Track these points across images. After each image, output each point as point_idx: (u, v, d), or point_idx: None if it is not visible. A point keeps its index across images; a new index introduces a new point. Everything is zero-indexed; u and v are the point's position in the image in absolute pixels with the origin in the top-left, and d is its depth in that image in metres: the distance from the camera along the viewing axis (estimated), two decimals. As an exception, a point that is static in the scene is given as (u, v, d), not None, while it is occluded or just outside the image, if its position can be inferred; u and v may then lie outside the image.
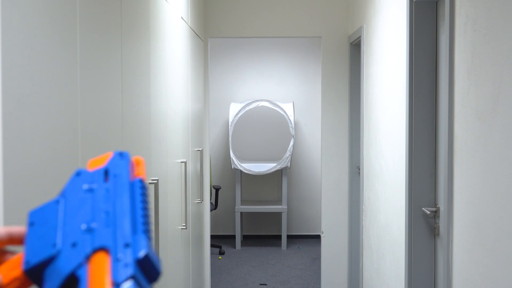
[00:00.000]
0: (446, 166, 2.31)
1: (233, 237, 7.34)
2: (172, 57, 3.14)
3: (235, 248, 7.03)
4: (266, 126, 7.28)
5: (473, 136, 2.03)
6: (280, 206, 7.05)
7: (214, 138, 7.42)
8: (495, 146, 1.84)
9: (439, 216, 2.79)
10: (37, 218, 0.54)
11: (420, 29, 2.85)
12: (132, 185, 0.54)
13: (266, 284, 5.68)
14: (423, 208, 2.85)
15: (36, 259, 0.51)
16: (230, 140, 6.91)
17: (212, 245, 6.47)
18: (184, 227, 3.54)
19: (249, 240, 7.40)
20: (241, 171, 6.99)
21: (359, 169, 4.57)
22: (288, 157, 6.89)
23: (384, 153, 3.57)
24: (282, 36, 5.14)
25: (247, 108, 6.95)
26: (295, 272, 6.09)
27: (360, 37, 4.39)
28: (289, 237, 7.34)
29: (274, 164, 7.01)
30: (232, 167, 6.94)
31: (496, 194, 1.83)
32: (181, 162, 3.46)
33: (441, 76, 2.77)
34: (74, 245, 0.50)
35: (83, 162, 1.58)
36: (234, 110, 6.97)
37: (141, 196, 0.54)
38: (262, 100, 7.00)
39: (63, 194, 0.55)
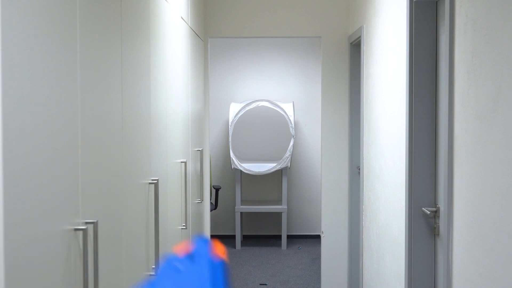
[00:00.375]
0: (446, 166, 2.31)
1: (233, 237, 7.34)
2: (172, 57, 3.14)
3: (235, 248, 7.03)
4: (266, 126, 7.28)
5: (473, 136, 2.03)
6: (280, 206, 7.05)
7: (214, 138, 7.42)
8: (495, 146, 1.84)
9: (439, 216, 2.79)
10: None
11: (420, 29, 2.85)
12: (215, 266, 0.62)
13: (266, 284, 5.68)
14: (423, 208, 2.85)
15: None
16: (230, 140, 6.91)
17: (212, 245, 6.46)
18: (184, 227, 3.55)
19: (249, 240, 7.41)
20: (241, 171, 6.99)
21: (359, 169, 4.57)
22: (288, 157, 6.89)
23: (384, 153, 3.57)
24: (282, 36, 5.14)
25: (247, 108, 6.95)
26: (295, 272, 6.09)
27: (360, 37, 4.39)
28: (289, 237, 7.34)
29: (274, 164, 7.01)
30: (232, 167, 6.94)
31: (496, 194, 1.83)
32: (181, 162, 3.46)
33: (441, 76, 2.77)
34: None
35: (83, 162, 1.58)
36: (234, 110, 6.97)
37: (221, 274, 0.62)
38: (262, 100, 7.00)
39: (157, 278, 0.63)
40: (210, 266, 0.60)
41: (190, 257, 0.62)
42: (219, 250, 0.64)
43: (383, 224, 3.61)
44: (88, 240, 1.60)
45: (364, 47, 4.23)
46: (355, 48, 4.87)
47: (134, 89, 2.21)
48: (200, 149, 4.50)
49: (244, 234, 7.47)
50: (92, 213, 1.66)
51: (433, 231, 2.86)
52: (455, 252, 2.24)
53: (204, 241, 0.64)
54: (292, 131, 6.91)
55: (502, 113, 1.79)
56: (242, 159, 7.23)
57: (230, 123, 6.89)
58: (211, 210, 6.18)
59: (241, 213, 7.23)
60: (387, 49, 3.50)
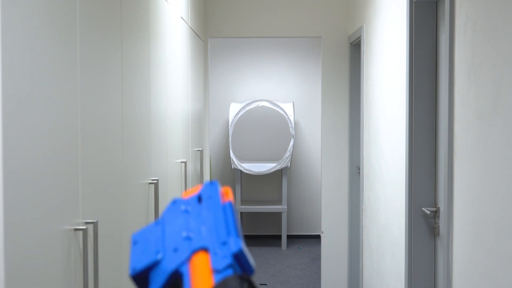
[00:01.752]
0: (446, 166, 2.31)
1: (233, 237, 7.34)
2: (172, 57, 3.14)
3: (235, 248, 7.03)
4: (266, 126, 7.28)
5: (473, 136, 2.03)
6: (280, 206, 7.05)
7: (214, 138, 7.42)
8: (495, 146, 1.84)
9: (439, 216, 2.79)
10: (139, 238, 0.62)
11: (420, 29, 2.85)
12: (223, 206, 0.61)
13: (266, 284, 5.68)
14: (423, 208, 2.85)
15: (141, 265, 0.58)
16: (230, 140, 6.91)
17: (212, 245, 6.46)
18: (184, 227, 3.54)
19: (249, 240, 7.40)
20: (241, 171, 6.99)
21: (359, 169, 4.57)
22: (288, 157, 6.89)
23: (384, 153, 3.57)
24: (282, 36, 5.14)
25: (247, 108, 6.95)
26: (295, 272, 6.09)
27: (360, 37, 4.39)
28: (289, 237, 7.34)
29: (274, 164, 7.01)
30: (232, 167, 6.94)
31: (496, 194, 1.83)
32: (181, 162, 3.46)
33: (441, 76, 2.77)
34: (175, 250, 0.58)
35: (83, 162, 1.58)
36: (234, 110, 6.97)
37: (232, 214, 0.60)
38: (262, 100, 7.00)
39: (162, 217, 0.63)
40: (219, 207, 0.60)
41: (198, 198, 0.62)
42: (227, 193, 0.63)
43: (383, 224, 3.61)
44: (88, 240, 1.60)
45: (364, 47, 4.23)
46: (355, 48, 4.87)
47: (134, 89, 2.21)
48: (200, 149, 4.50)
49: (244, 234, 7.47)
50: (92, 213, 1.66)
51: (433, 231, 2.86)
52: (455, 252, 2.24)
53: (212, 184, 0.63)
54: (292, 131, 6.91)
55: (502, 113, 1.79)
56: (242, 159, 7.23)
57: (230, 123, 6.89)
58: (211, 210, 6.17)
59: (241, 213, 7.23)
60: (387, 49, 3.50)
